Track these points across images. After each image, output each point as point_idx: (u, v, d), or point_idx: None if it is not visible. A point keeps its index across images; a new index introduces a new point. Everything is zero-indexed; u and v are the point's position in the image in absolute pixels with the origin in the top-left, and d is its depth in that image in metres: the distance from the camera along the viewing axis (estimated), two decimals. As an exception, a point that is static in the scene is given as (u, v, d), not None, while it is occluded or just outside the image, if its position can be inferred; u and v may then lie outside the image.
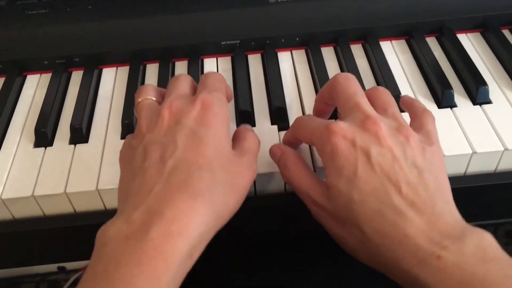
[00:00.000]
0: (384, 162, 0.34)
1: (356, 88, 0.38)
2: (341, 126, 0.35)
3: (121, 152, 0.38)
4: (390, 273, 0.33)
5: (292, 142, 0.42)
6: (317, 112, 0.43)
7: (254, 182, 0.43)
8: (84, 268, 1.13)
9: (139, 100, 0.39)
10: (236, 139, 0.39)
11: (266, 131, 0.46)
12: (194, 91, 0.40)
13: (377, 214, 0.33)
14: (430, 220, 0.32)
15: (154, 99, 0.40)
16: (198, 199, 0.32)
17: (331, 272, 0.53)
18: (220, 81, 0.40)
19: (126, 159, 0.37)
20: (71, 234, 0.45)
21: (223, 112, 0.37)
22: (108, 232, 0.32)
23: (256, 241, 0.49)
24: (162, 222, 0.30)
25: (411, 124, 0.39)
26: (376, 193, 0.33)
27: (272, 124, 0.47)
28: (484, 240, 0.31)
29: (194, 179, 0.32)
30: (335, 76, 0.39)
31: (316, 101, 0.43)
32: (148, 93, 0.40)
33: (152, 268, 0.29)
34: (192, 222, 0.31)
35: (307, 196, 0.37)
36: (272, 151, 0.41)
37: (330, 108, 0.43)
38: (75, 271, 1.14)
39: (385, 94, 0.39)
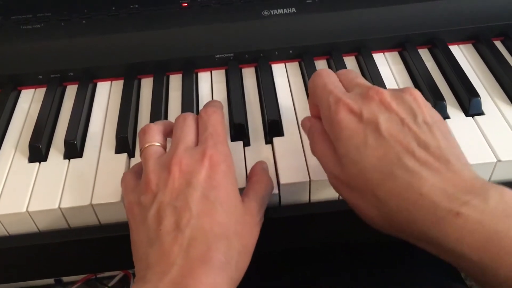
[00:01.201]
0: (392, 127, 0.34)
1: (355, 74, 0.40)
2: (347, 101, 0.36)
3: (130, 206, 0.38)
4: (410, 237, 0.33)
5: (313, 112, 0.43)
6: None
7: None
8: (81, 280, 1.12)
9: (145, 146, 0.40)
10: (250, 183, 0.41)
11: (259, 146, 0.46)
12: (198, 128, 0.41)
13: (390, 177, 0.32)
14: (446, 177, 0.31)
15: (159, 144, 0.40)
16: (218, 273, 0.33)
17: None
18: (221, 123, 0.41)
19: (136, 217, 0.37)
20: (66, 249, 0.45)
21: (230, 168, 0.38)
22: None
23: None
24: None
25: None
26: (388, 157, 0.33)
27: (265, 135, 0.47)
28: (506, 195, 0.30)
29: (213, 251, 0.33)
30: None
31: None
32: (154, 137, 0.41)
33: None
34: None
35: (326, 168, 0.38)
36: (303, 123, 0.43)
37: None
38: (73, 283, 1.14)
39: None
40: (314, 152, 0.40)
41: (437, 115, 0.36)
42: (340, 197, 0.44)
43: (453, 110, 0.48)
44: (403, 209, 0.32)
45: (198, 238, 0.34)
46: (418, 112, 0.35)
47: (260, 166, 0.43)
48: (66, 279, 1.15)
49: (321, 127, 0.40)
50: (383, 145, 0.33)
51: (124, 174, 0.42)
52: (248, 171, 0.43)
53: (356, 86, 0.38)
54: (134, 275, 1.11)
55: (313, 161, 0.44)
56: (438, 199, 0.30)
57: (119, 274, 1.13)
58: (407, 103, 0.35)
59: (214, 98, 0.53)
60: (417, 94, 0.36)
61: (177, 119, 0.42)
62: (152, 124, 0.42)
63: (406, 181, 0.32)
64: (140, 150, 0.41)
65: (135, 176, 0.40)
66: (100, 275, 1.12)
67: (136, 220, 0.37)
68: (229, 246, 0.34)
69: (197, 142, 0.40)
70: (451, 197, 0.30)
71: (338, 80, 0.40)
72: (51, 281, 1.16)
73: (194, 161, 0.37)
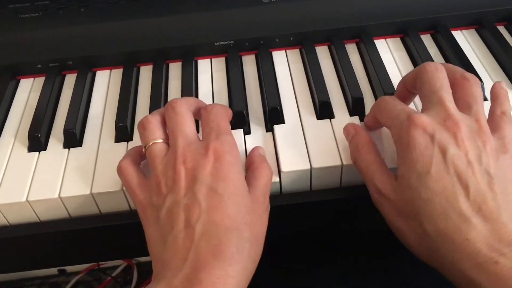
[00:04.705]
0: (458, 164, 0.34)
1: (443, 81, 0.38)
2: (423, 120, 0.35)
3: (141, 207, 0.38)
4: (446, 271, 0.35)
5: (370, 126, 0.43)
6: (399, 98, 0.43)
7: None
8: (84, 271, 1.12)
9: (149, 144, 0.39)
10: (250, 172, 0.40)
11: (260, 134, 0.46)
12: (195, 114, 0.41)
13: (441, 215, 0.33)
14: (493, 228, 0.33)
15: (161, 140, 0.40)
16: (230, 264, 0.33)
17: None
18: (222, 116, 0.40)
19: (149, 218, 0.37)
20: (67, 238, 0.45)
21: (235, 158, 0.38)
22: None
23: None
24: None
25: (488, 120, 0.38)
26: (445, 194, 0.34)
27: (265, 123, 0.47)
28: None
29: (224, 244, 0.33)
30: (424, 65, 0.39)
31: (398, 87, 0.43)
32: (155, 133, 0.40)
33: None
34: (228, 287, 0.33)
35: (372, 182, 0.38)
36: (346, 129, 0.42)
37: (412, 96, 0.43)
38: (76, 273, 1.14)
39: (474, 86, 0.38)
40: (358, 162, 0.39)
41: (502, 160, 0.35)
42: (342, 185, 0.44)
43: (456, 96, 0.48)
44: (447, 247, 0.33)
45: (209, 232, 0.34)
46: (484, 160, 0.34)
47: (257, 152, 0.42)
48: (69, 269, 1.16)
49: (368, 136, 0.40)
50: (445, 179, 0.34)
51: (122, 165, 0.40)
52: (248, 159, 0.43)
53: (435, 104, 0.37)
54: (136, 265, 1.12)
55: (314, 148, 0.43)
56: (481, 247, 0.32)
57: (122, 264, 1.14)
58: (478, 147, 0.35)
59: (214, 86, 0.52)
60: (489, 143, 0.35)
61: (165, 109, 0.41)
62: (149, 116, 0.41)
63: (456, 224, 0.33)
64: (144, 147, 0.40)
65: (136, 169, 0.40)
66: (103, 265, 1.12)
67: (150, 220, 0.37)
68: (240, 237, 0.34)
69: (195, 130, 0.39)
70: (492, 247, 0.32)
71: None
72: (54, 271, 1.17)
73: (198, 156, 0.37)
